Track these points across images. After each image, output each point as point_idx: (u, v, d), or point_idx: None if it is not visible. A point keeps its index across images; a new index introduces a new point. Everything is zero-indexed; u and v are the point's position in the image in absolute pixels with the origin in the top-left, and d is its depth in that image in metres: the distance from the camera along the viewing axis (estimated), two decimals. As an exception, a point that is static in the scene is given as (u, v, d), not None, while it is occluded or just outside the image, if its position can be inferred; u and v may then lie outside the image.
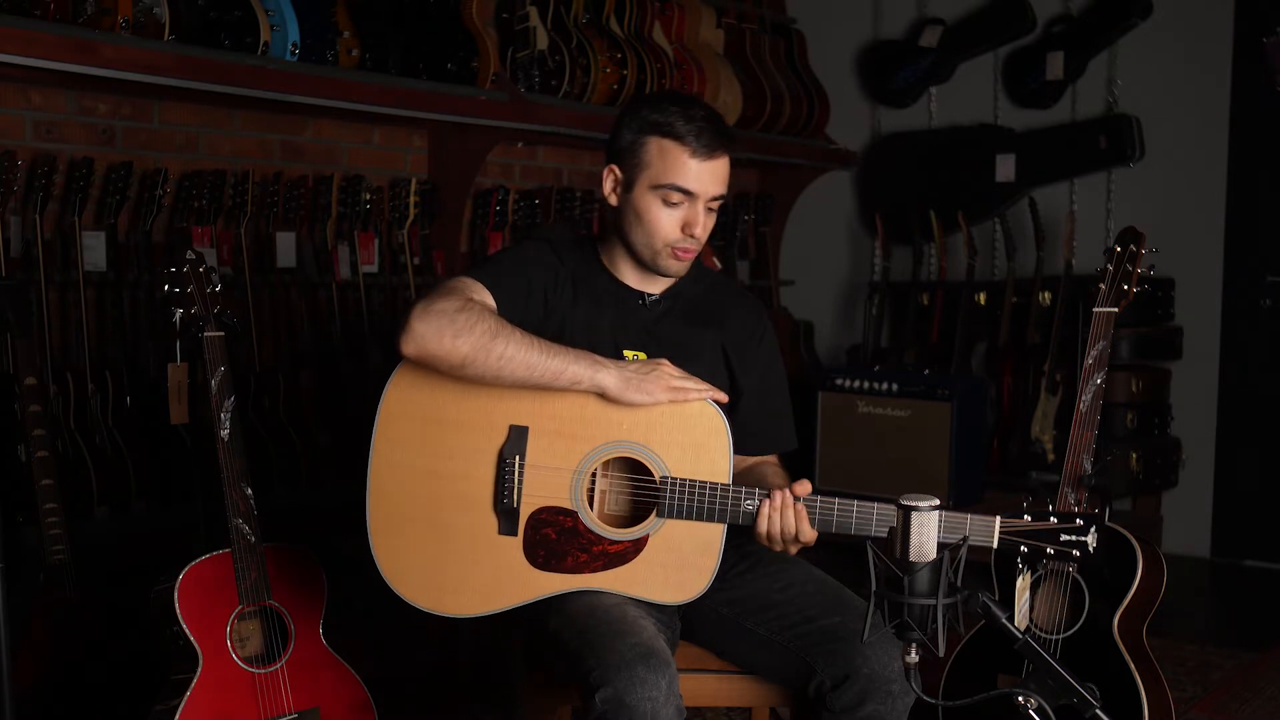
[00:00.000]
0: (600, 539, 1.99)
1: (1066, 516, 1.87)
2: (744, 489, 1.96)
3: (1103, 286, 2.47)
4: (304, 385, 3.76)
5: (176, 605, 2.27)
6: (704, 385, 1.99)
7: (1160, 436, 4.74)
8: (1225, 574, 4.70)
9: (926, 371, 4.69)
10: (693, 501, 1.96)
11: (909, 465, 4.48)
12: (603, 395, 1.97)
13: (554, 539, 1.99)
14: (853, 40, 5.58)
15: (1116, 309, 2.46)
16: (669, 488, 1.97)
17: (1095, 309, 2.47)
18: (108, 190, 3.42)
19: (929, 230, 5.10)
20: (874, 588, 1.58)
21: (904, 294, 5.21)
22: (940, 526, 1.54)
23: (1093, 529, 1.84)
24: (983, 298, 4.95)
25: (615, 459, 2.01)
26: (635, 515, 2.03)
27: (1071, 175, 5.03)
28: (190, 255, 2.41)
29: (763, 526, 1.95)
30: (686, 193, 2.05)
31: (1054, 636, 2.45)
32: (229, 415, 2.37)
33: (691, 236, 2.07)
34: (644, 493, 2.00)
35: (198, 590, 2.31)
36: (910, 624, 1.55)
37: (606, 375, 1.95)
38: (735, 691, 2.15)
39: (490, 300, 2.01)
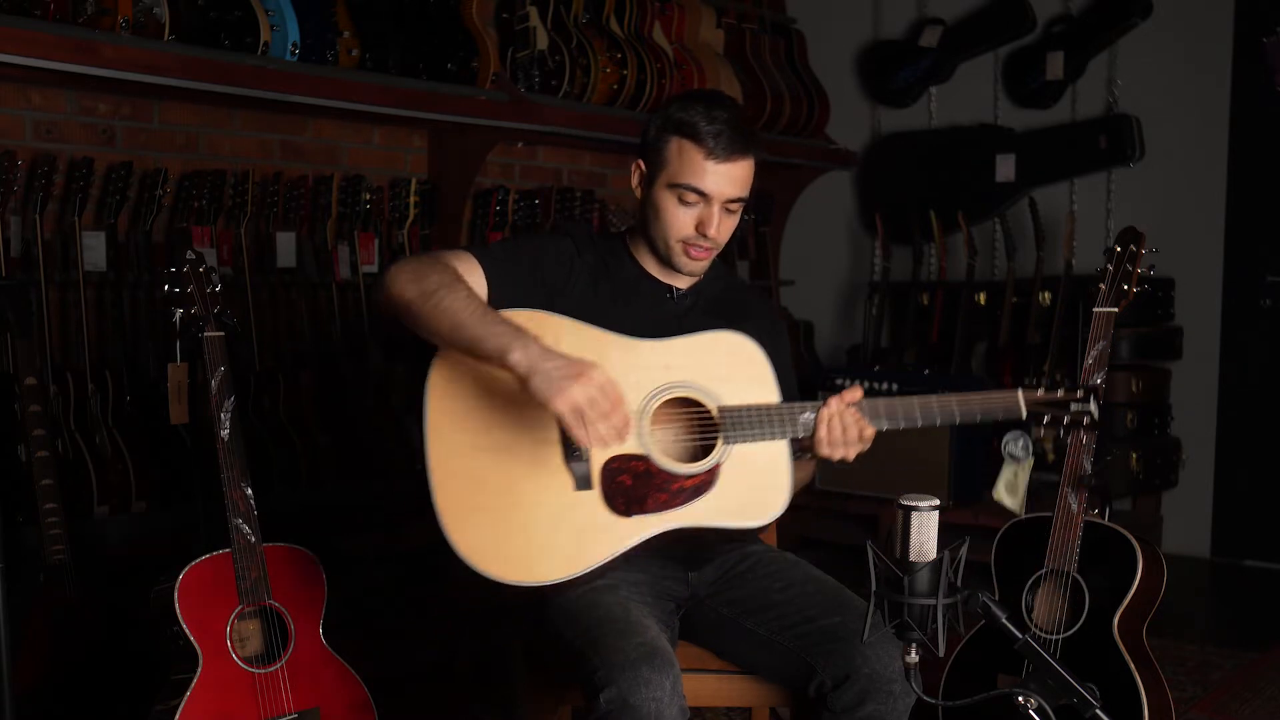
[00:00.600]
0: (675, 476, 2.00)
1: (1070, 387, 2.04)
2: (797, 403, 2.01)
3: (1103, 286, 2.48)
4: (304, 385, 3.76)
5: (176, 605, 2.27)
6: (612, 424, 1.83)
7: (1160, 436, 4.74)
8: (1225, 574, 4.70)
9: (926, 371, 4.69)
10: (753, 423, 2.00)
11: (909, 465, 4.47)
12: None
13: (630, 485, 1.99)
14: (853, 40, 5.58)
15: (1116, 309, 2.46)
16: (729, 415, 2.00)
17: (1095, 309, 2.47)
18: (108, 190, 3.42)
19: (929, 230, 5.10)
20: (874, 588, 1.58)
21: (904, 294, 5.21)
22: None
23: (1092, 398, 2.02)
24: (983, 298, 4.95)
25: (670, 400, 2.02)
26: (696, 456, 2.04)
27: (1071, 175, 5.03)
28: (190, 255, 2.42)
29: (822, 431, 1.99)
30: (701, 194, 2.05)
31: (1054, 636, 2.45)
32: (229, 415, 2.37)
33: (706, 236, 2.08)
34: (705, 426, 2.02)
35: (198, 590, 2.31)
36: (910, 624, 1.55)
37: (519, 358, 1.81)
38: (735, 691, 2.15)
39: (479, 273, 2.01)
